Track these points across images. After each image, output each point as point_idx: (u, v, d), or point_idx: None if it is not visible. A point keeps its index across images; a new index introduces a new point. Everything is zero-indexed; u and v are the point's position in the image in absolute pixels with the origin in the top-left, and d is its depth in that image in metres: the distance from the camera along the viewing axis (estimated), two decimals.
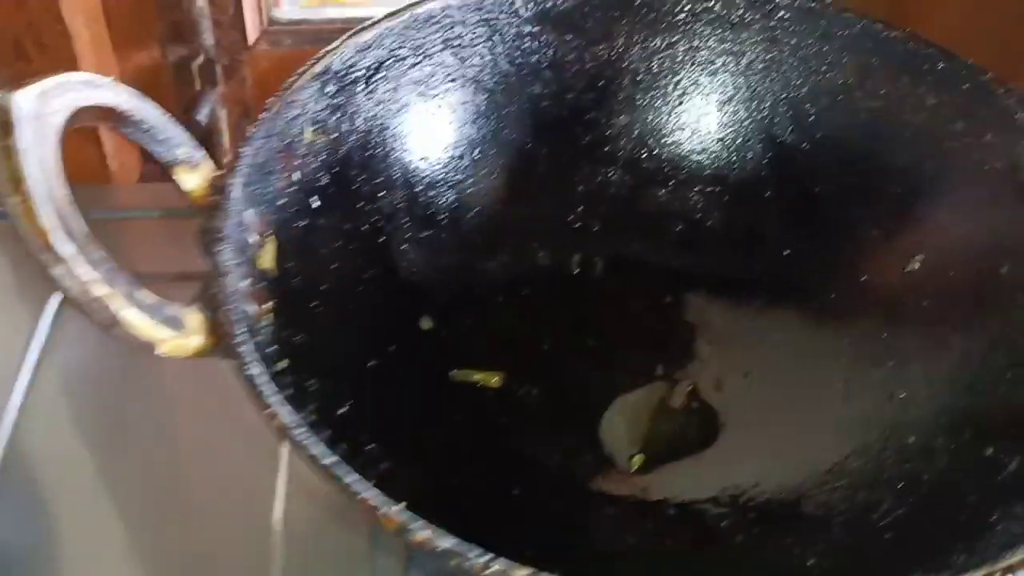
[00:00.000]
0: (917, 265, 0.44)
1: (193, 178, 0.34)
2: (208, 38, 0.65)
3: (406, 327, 0.43)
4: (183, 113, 0.66)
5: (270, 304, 0.34)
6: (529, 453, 0.42)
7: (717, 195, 0.49)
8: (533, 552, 0.36)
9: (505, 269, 0.48)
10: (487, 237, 0.48)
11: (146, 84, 0.67)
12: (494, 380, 0.44)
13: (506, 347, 0.46)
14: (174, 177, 0.34)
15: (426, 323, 0.44)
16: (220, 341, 0.30)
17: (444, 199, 0.46)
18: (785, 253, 0.48)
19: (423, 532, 0.26)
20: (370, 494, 0.27)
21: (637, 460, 0.42)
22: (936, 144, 0.44)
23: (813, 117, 0.47)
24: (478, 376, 0.44)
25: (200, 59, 0.66)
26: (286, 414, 0.28)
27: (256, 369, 0.29)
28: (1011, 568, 0.26)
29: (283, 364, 0.33)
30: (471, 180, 0.47)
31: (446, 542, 0.26)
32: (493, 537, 0.36)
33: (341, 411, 0.35)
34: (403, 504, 0.27)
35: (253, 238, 0.34)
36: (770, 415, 0.44)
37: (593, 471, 0.42)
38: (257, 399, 0.28)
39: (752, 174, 0.49)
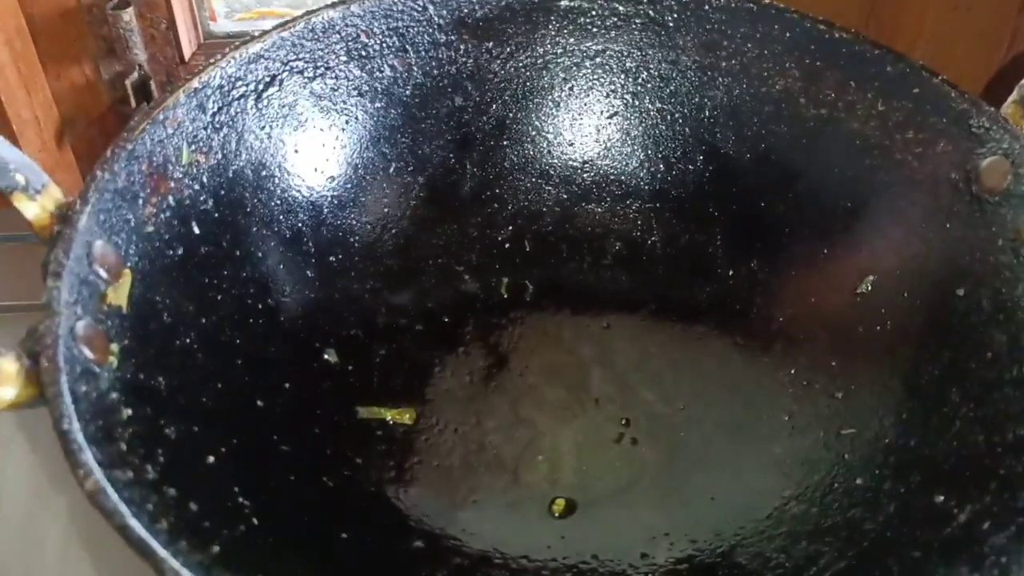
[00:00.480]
0: (868, 287, 0.40)
1: (34, 206, 0.31)
2: (141, 54, 0.62)
3: (307, 362, 0.40)
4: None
5: (117, 345, 0.30)
6: (439, 500, 0.38)
7: (657, 212, 0.46)
8: None
9: (425, 295, 0.44)
10: (406, 261, 0.44)
11: (82, 102, 0.64)
12: (407, 417, 0.41)
13: (423, 381, 0.42)
14: (15, 204, 0.31)
15: (332, 356, 0.41)
16: (41, 391, 0.27)
17: (356, 220, 0.43)
18: (729, 273, 0.44)
19: None
20: (183, 573, 0.23)
21: (558, 504, 0.39)
22: (886, 154, 0.40)
23: (756, 127, 0.43)
24: (389, 413, 0.41)
25: (135, 75, 0.63)
26: (98, 476, 0.24)
27: (71, 424, 0.25)
28: None
29: (128, 412, 0.29)
30: (387, 200, 0.44)
31: None
32: None
33: (209, 460, 0.32)
34: None
35: (103, 272, 0.31)
36: (708, 453, 0.40)
37: (509, 518, 0.38)
38: (69, 457, 0.25)
39: (694, 189, 0.45)
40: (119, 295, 0.32)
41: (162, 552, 0.23)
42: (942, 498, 0.33)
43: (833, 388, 0.40)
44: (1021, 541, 0.29)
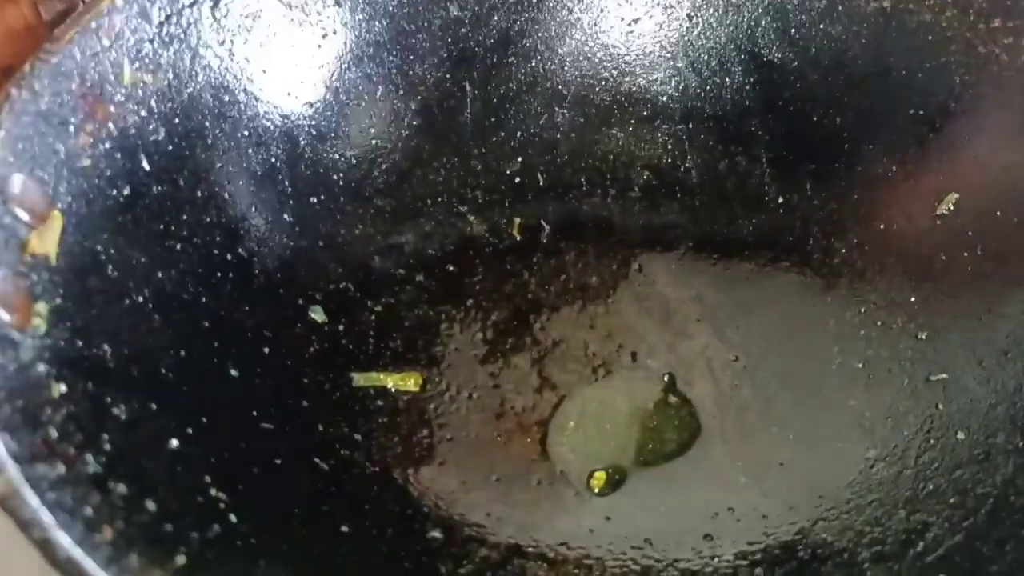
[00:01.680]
0: (950, 207, 0.34)
1: None
2: None
3: (289, 322, 0.33)
4: None
5: (45, 305, 0.24)
6: (455, 479, 0.32)
7: (690, 134, 0.39)
8: None
9: (425, 241, 0.38)
10: (400, 201, 0.38)
11: (21, 47, 0.56)
12: (411, 383, 0.34)
13: (427, 340, 0.36)
14: None
15: (318, 315, 0.34)
16: None
17: (339, 154, 0.36)
18: (779, 201, 0.38)
19: None
20: None
21: (598, 478, 0.33)
22: (967, 49, 0.34)
23: (805, 27, 0.37)
24: (390, 380, 0.34)
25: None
26: (12, 474, 0.18)
27: None
28: None
29: (60, 389, 0.23)
30: (374, 130, 0.37)
31: None
32: None
33: (172, 445, 0.25)
34: None
35: (23, 213, 0.24)
36: (769, 412, 0.34)
37: (540, 497, 0.32)
38: None
39: (733, 105, 0.39)
40: (45, 242, 0.25)
41: (101, 573, 0.17)
42: None
43: (915, 328, 0.34)
44: None
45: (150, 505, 0.22)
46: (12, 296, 0.23)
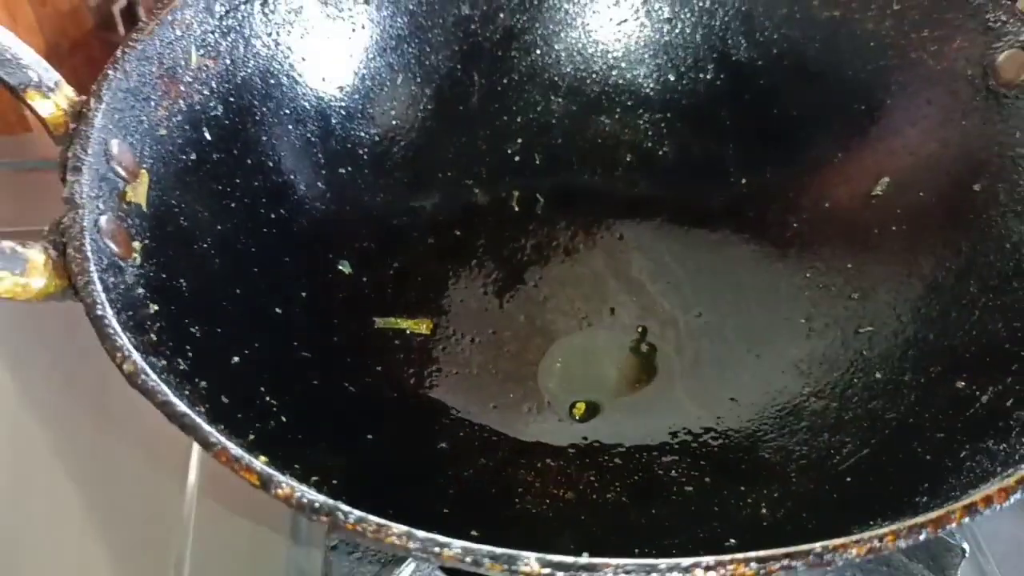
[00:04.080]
0: (883, 188, 0.40)
1: (48, 104, 0.30)
2: None
3: (321, 272, 0.39)
4: None
5: (139, 243, 0.30)
6: (459, 405, 0.38)
7: (668, 121, 0.45)
8: (458, 512, 0.33)
9: (436, 208, 0.44)
10: (415, 174, 0.44)
11: (66, 29, 0.63)
12: (424, 327, 0.41)
13: (437, 292, 0.42)
14: (28, 103, 0.30)
15: (346, 267, 0.40)
16: (70, 281, 0.26)
17: (364, 132, 0.42)
18: (743, 181, 0.44)
19: (285, 486, 0.22)
20: (229, 445, 0.23)
21: (579, 408, 0.39)
22: (901, 54, 0.40)
23: (768, 31, 0.43)
24: (405, 324, 0.40)
25: (122, 1, 0.62)
26: (136, 358, 0.24)
27: (106, 311, 0.25)
28: (973, 506, 0.23)
29: (154, 308, 0.29)
30: (394, 111, 0.43)
31: (314, 497, 0.22)
32: (410, 496, 0.32)
33: (234, 360, 0.32)
34: (265, 459, 0.23)
35: (120, 170, 0.30)
36: (725, 356, 0.40)
37: (530, 421, 0.38)
38: (105, 341, 0.24)
39: (706, 97, 0.45)
40: (138, 194, 0.31)
41: (207, 426, 0.23)
42: (963, 384, 0.33)
43: (850, 289, 0.40)
44: None
45: (224, 399, 0.28)
46: (117, 233, 0.29)
